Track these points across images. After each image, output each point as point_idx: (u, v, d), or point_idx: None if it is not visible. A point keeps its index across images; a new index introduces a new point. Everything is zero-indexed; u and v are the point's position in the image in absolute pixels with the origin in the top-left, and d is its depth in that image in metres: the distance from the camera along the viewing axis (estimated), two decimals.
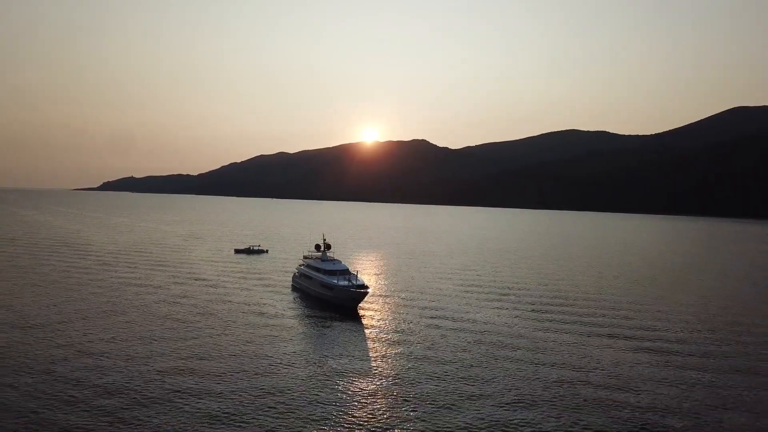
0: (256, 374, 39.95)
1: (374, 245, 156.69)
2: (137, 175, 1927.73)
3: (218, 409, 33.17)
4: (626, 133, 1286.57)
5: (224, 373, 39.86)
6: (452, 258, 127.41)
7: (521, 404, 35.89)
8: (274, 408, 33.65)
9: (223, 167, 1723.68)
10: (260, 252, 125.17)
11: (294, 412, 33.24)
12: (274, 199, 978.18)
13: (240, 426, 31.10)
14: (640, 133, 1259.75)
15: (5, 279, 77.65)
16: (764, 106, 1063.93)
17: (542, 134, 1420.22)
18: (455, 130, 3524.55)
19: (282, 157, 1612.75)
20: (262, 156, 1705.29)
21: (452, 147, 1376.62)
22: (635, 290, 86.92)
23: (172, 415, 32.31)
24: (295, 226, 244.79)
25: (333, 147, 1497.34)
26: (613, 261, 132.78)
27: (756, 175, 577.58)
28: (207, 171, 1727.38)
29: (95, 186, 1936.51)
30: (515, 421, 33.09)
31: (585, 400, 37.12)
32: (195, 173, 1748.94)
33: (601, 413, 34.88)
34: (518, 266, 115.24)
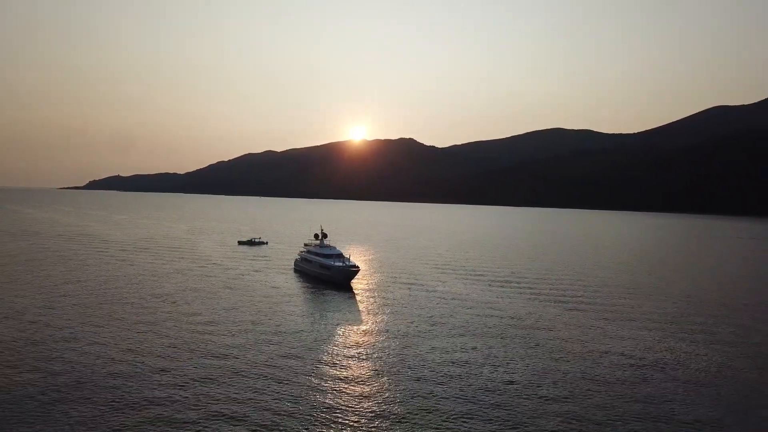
0: (274, 333, 54.26)
1: (364, 237, 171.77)
2: (124, 174, 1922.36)
3: (243, 359, 47.23)
4: (610, 132, 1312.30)
5: (246, 336, 53.79)
6: (432, 249, 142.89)
7: (472, 337, 51.12)
8: (289, 358, 46.82)
9: (210, 166, 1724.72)
10: (261, 243, 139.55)
11: (302, 359, 47.58)
12: (262, 198, 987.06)
13: (259, 368, 45.58)
14: (624, 132, 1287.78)
15: (50, 267, 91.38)
16: (742, 106, 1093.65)
17: (528, 132, 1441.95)
18: (442, 129, 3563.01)
19: (269, 155, 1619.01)
20: (249, 154, 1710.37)
21: (439, 146, 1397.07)
22: (608, 273, 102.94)
23: (205, 363, 46.93)
24: (288, 222, 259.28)
25: (321, 145, 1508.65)
26: (586, 250, 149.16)
27: (743, 174, 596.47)
28: (194, 169, 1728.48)
29: (81, 185, 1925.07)
30: (465, 349, 48.27)
31: (539, 349, 52.52)
32: (182, 172, 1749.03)
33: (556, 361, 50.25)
34: (490, 253, 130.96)
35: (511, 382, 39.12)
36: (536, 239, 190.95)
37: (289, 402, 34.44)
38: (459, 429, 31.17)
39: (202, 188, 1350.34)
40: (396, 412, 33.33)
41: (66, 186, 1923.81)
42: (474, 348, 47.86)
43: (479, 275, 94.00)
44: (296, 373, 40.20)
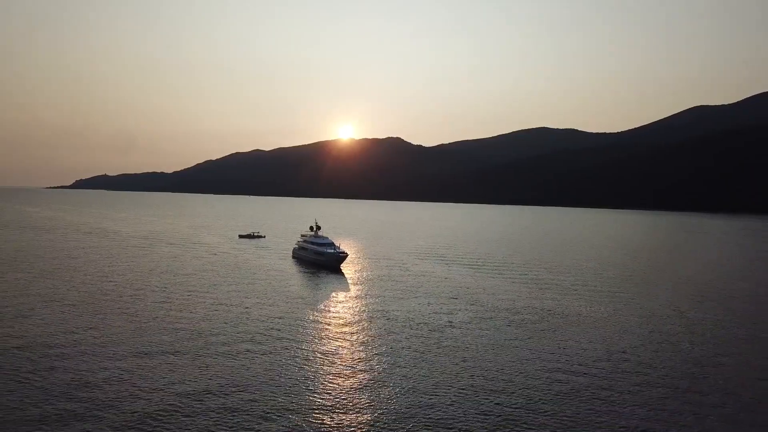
0: (280, 304, 71.29)
1: (352, 230, 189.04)
2: (110, 173, 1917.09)
3: (256, 325, 64.53)
4: (594, 131, 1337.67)
5: (257, 307, 71.17)
6: (411, 240, 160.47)
7: (431, 298, 68.44)
8: (293, 320, 64.82)
9: (197, 165, 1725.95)
10: (260, 237, 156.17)
11: (304, 321, 64.98)
12: (251, 197, 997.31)
13: (269, 331, 62.69)
14: (608, 131, 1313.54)
15: (84, 255, 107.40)
16: (723, 105, 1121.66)
17: (514, 131, 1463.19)
18: (429, 128, 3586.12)
19: (257, 154, 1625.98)
20: (237, 153, 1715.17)
21: (426, 145, 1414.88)
22: (586, 262, 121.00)
23: (217, 329, 63.91)
24: (282, 219, 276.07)
25: (309, 144, 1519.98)
26: (554, 241, 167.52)
27: (731, 172, 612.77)
28: (182, 169, 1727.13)
29: (68, 184, 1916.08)
30: (430, 313, 65.65)
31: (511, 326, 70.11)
32: (169, 171, 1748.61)
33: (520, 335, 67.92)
34: (462, 242, 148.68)
35: (451, 324, 56.68)
36: (509, 232, 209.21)
37: (294, 355, 51.44)
38: (412, 350, 48.42)
39: (189, 187, 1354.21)
40: (374, 348, 50.65)
41: (52, 185, 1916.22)
42: (429, 304, 65.69)
43: (447, 258, 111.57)
44: (298, 332, 57.26)
